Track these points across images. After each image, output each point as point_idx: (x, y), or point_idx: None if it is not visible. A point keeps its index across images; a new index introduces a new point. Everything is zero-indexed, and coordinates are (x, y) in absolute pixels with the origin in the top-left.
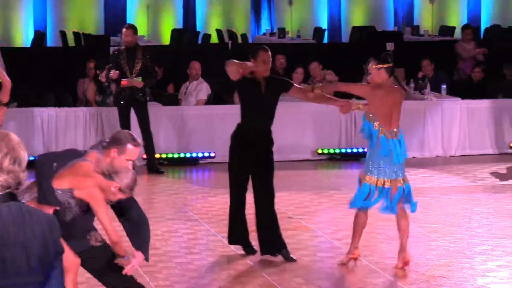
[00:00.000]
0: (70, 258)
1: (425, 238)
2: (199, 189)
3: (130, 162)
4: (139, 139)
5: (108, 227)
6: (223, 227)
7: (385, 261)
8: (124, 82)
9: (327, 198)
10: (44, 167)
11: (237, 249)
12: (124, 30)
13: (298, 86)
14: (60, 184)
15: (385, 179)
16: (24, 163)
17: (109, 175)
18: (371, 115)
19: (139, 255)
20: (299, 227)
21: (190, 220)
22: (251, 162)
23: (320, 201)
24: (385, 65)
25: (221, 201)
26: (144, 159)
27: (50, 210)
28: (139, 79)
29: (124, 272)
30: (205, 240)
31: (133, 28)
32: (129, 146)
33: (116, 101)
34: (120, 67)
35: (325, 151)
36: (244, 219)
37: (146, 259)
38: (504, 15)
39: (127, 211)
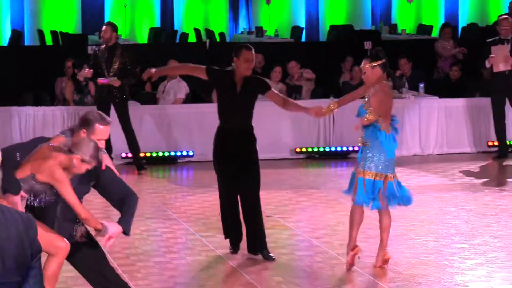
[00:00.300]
0: (58, 243)
1: (404, 237)
2: (178, 188)
3: (102, 142)
4: (109, 119)
5: (75, 203)
6: (202, 226)
7: (364, 259)
8: (100, 80)
9: (306, 197)
10: (8, 160)
11: (216, 248)
12: (103, 27)
13: (275, 91)
14: (22, 173)
15: (382, 173)
16: None
17: (69, 150)
18: (371, 109)
19: (115, 226)
20: (278, 226)
21: (169, 219)
22: (234, 161)
23: (298, 199)
24: (379, 62)
25: (200, 200)
26: (129, 157)
27: (17, 198)
28: (115, 78)
29: (103, 244)
30: (184, 239)
31: (111, 25)
32: (98, 125)
33: (96, 100)
34: (99, 66)
35: (304, 149)
36: (237, 218)
37: (126, 232)
38: (481, 14)
39: (108, 187)
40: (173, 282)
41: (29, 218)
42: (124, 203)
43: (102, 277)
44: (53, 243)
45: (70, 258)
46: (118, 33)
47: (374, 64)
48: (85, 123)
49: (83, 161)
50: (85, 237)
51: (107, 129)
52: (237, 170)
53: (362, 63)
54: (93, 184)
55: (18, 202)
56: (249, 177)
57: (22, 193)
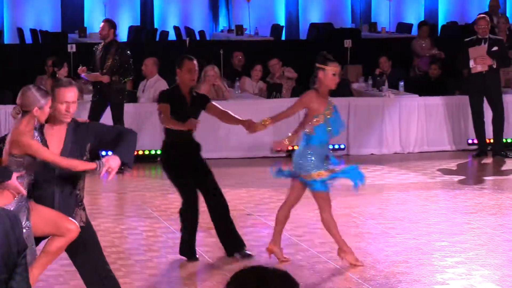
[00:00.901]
0: (68, 225)
1: (384, 235)
2: (157, 186)
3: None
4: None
5: (55, 158)
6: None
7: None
8: (82, 76)
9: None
10: None
11: (197, 246)
12: (101, 23)
13: (214, 103)
14: (5, 158)
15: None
16: None
17: (23, 112)
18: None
19: (113, 158)
20: (258, 224)
21: (149, 218)
22: (190, 169)
23: (279, 197)
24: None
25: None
26: None
27: (13, 181)
28: (96, 74)
29: (102, 177)
30: (164, 238)
31: (109, 22)
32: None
33: (92, 98)
34: (94, 63)
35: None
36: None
37: (128, 164)
38: (461, 12)
39: (104, 138)
40: (153, 281)
41: (15, 216)
42: (120, 139)
43: (93, 269)
44: (62, 225)
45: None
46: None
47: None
48: (42, 96)
49: (40, 108)
50: (84, 222)
51: (68, 90)
52: (196, 178)
53: (337, 67)
54: (92, 145)
55: (16, 184)
56: (211, 181)
57: (15, 174)
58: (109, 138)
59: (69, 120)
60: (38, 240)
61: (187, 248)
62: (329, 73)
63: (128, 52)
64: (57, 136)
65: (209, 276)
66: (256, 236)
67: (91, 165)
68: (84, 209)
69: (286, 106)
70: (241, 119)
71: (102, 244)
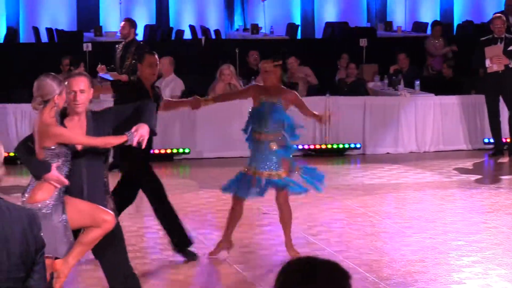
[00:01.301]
0: (104, 216)
1: (400, 234)
2: (174, 185)
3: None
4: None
5: (89, 140)
6: (198, 223)
7: (361, 257)
8: (100, 74)
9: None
10: (26, 151)
11: (213, 246)
12: (122, 23)
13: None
14: (39, 153)
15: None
16: (1, 158)
17: (43, 102)
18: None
19: (141, 126)
20: (274, 223)
21: None
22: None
23: (295, 196)
24: (280, 62)
25: (197, 197)
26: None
27: (53, 173)
28: (114, 73)
29: (135, 144)
30: None
31: (130, 21)
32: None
33: (113, 95)
34: (114, 62)
35: (300, 147)
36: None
37: (153, 129)
38: (476, 11)
39: (123, 110)
40: (170, 280)
41: (33, 214)
42: (140, 110)
43: (119, 265)
44: (99, 216)
45: None
46: (114, 30)
47: (276, 63)
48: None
49: (60, 93)
50: (112, 209)
51: (78, 79)
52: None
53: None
54: (114, 126)
55: (57, 175)
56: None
57: (54, 165)
58: (129, 112)
59: (80, 109)
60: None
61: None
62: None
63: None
64: (78, 127)
65: (227, 275)
66: (272, 236)
67: (123, 138)
68: (111, 197)
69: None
70: (184, 100)
71: None
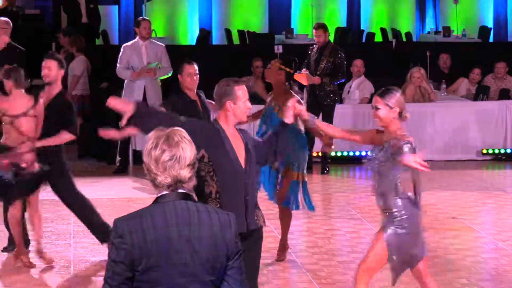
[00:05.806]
0: None
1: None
2: (362, 187)
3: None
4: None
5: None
6: None
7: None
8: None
9: (492, 199)
10: None
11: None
12: (314, 30)
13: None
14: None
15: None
16: (186, 160)
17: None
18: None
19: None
20: (463, 228)
21: (353, 219)
22: None
23: (484, 201)
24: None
25: None
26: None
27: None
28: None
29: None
30: (367, 239)
31: (323, 28)
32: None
33: (308, 97)
34: (308, 64)
35: (490, 151)
36: None
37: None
38: None
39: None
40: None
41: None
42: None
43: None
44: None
45: (253, 246)
46: (304, 33)
47: (281, 66)
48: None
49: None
50: (264, 222)
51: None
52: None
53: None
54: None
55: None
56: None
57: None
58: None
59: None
60: None
61: None
62: None
63: (342, 54)
64: None
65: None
66: (461, 240)
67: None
68: (259, 209)
69: (490, 108)
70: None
71: (305, 244)
